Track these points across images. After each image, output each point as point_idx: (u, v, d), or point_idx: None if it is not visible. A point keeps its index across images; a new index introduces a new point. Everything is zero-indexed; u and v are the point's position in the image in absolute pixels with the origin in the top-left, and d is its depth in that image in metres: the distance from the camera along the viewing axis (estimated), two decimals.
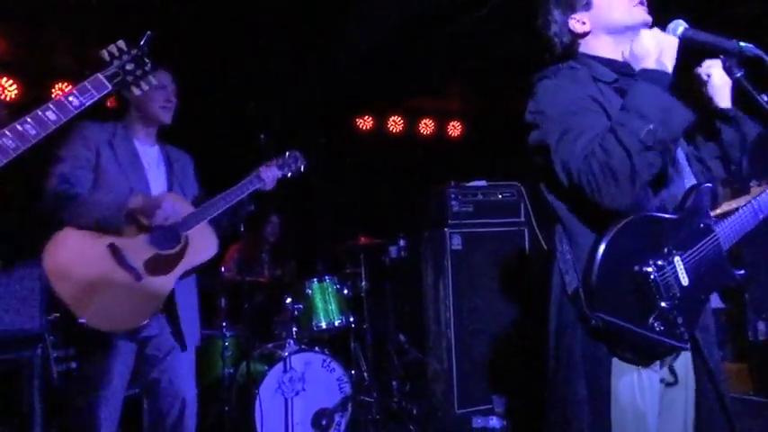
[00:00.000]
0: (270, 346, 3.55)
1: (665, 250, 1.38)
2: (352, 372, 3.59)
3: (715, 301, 5.29)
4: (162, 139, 2.44)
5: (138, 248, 2.15)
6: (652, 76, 1.34)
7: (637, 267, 1.34)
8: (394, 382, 4.00)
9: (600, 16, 1.51)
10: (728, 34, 1.39)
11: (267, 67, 4.33)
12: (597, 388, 1.37)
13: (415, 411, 3.85)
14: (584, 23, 1.53)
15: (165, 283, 2.18)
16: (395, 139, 5.71)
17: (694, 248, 1.42)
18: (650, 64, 1.35)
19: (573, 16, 1.53)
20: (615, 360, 1.37)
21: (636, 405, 1.37)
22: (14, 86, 4.08)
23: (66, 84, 4.18)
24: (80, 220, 2.09)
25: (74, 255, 2.06)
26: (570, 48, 1.56)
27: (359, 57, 4.36)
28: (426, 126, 5.90)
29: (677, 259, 1.39)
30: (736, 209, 1.53)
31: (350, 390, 3.40)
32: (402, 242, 4.37)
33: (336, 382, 3.38)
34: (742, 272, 1.51)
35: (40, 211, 2.12)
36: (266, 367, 3.26)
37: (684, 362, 1.45)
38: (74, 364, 3.52)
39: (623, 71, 1.48)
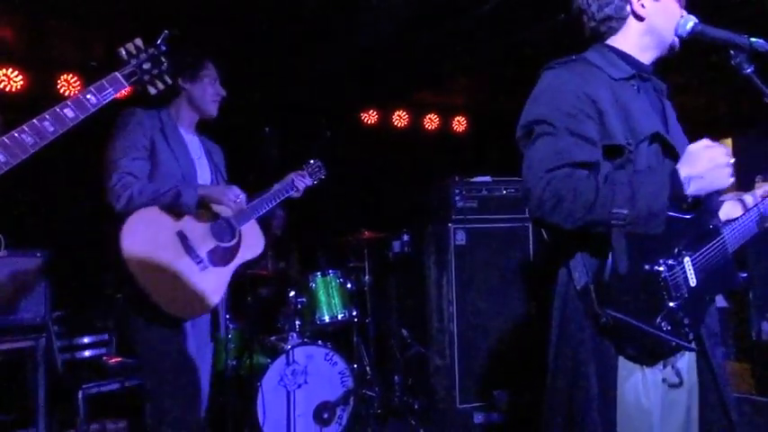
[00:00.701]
0: (273, 338, 3.57)
1: (676, 250, 1.37)
2: (355, 366, 3.61)
3: (719, 301, 5.27)
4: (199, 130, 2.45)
5: (203, 238, 2.21)
6: (677, 181, 1.31)
7: (648, 266, 1.33)
8: (396, 377, 4.01)
9: (655, 13, 1.46)
10: (741, 31, 1.37)
11: (272, 59, 4.33)
12: (605, 386, 1.36)
13: (416, 406, 3.86)
14: (643, 7, 1.46)
15: (224, 274, 2.26)
16: (400, 133, 5.70)
17: (703, 250, 1.41)
18: (691, 173, 1.31)
19: None
20: (621, 359, 1.36)
21: (641, 404, 1.36)
22: (20, 77, 4.08)
23: (71, 75, 4.19)
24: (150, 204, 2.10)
25: (147, 238, 2.08)
26: (599, 30, 1.50)
27: (364, 50, 4.35)
28: (431, 121, 5.88)
29: (687, 260, 1.38)
30: (741, 214, 1.52)
31: (352, 383, 3.41)
32: (405, 237, 4.37)
33: (339, 375, 3.39)
34: (744, 275, 1.52)
35: (114, 208, 2.10)
36: (269, 360, 3.27)
37: (688, 363, 1.45)
38: (83, 354, 3.56)
39: (640, 71, 1.47)
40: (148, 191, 2.10)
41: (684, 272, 1.37)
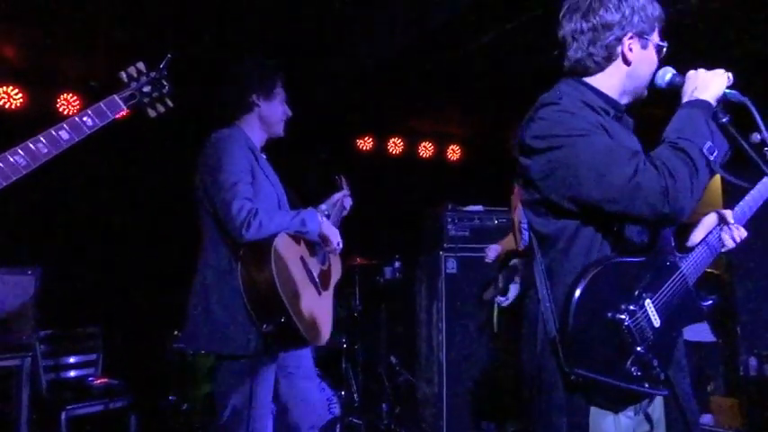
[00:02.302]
0: None
1: (636, 294, 1.37)
2: (342, 392, 3.58)
3: (707, 336, 5.29)
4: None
5: (313, 263, 2.26)
6: (701, 105, 1.34)
7: (610, 314, 1.33)
8: (384, 405, 3.98)
9: (641, 60, 1.45)
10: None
11: None
12: None
13: None
14: (631, 51, 1.43)
15: (330, 297, 2.30)
16: (394, 160, 5.75)
17: (663, 288, 1.41)
18: (705, 96, 1.35)
19: (633, 36, 1.42)
20: (592, 408, 1.37)
21: None
22: (20, 95, 4.11)
23: (71, 94, 4.22)
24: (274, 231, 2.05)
25: (288, 264, 2.06)
26: (584, 64, 1.46)
27: (362, 77, 4.42)
28: (426, 149, 5.94)
29: (648, 302, 1.38)
30: (697, 244, 1.54)
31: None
32: (397, 264, 4.39)
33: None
34: (709, 302, 1.52)
35: (238, 236, 1.99)
36: None
37: (658, 402, 1.46)
38: (68, 374, 3.52)
39: (615, 109, 1.48)
40: (277, 219, 2.04)
41: (647, 314, 1.37)
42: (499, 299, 3.45)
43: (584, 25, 1.42)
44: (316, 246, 2.28)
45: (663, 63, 1.48)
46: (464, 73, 4.35)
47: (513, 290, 3.45)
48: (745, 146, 1.31)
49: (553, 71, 1.57)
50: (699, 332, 5.32)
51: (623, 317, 1.33)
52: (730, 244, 1.57)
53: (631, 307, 1.35)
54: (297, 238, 2.15)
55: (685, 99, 1.39)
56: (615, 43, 1.41)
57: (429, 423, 3.72)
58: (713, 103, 1.36)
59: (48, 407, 3.14)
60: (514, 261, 3.48)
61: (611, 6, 1.40)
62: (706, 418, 4.87)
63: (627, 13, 1.40)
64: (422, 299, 3.93)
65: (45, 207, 3.88)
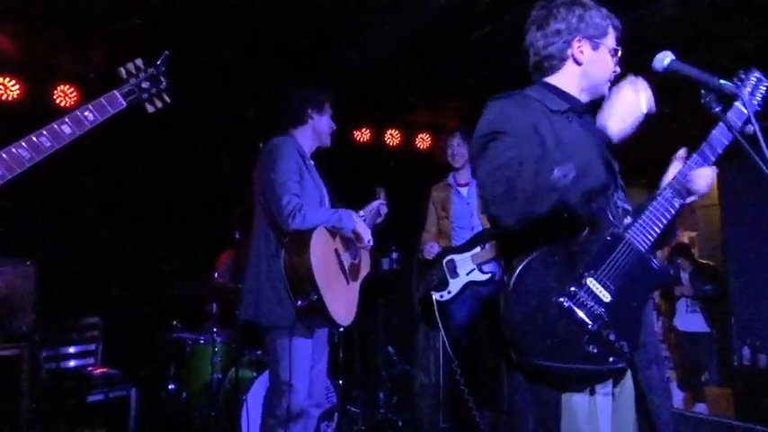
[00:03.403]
0: (259, 352, 3.57)
1: (577, 274, 1.41)
2: (340, 381, 3.62)
3: (701, 326, 5.34)
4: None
5: (345, 256, 2.64)
6: (599, 131, 1.39)
7: (553, 299, 1.38)
8: (381, 394, 4.03)
9: (592, 62, 1.60)
10: (720, 70, 1.44)
11: (267, 77, 4.39)
12: (546, 427, 1.41)
13: (400, 423, 3.87)
14: (582, 53, 1.60)
15: (356, 288, 2.70)
16: (392, 152, 5.76)
17: (607, 262, 1.43)
18: (610, 123, 1.38)
19: (582, 40, 1.59)
20: (564, 396, 1.41)
21: (588, 411, 1.42)
22: (17, 86, 4.10)
23: (68, 86, 4.21)
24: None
25: (324, 252, 2.45)
26: (542, 65, 1.63)
27: (359, 69, 4.42)
28: (423, 140, 5.95)
29: (590, 280, 1.41)
30: (646, 207, 1.52)
31: (336, 399, 3.42)
32: (395, 255, 4.41)
33: (324, 390, 3.39)
34: (672, 271, 1.54)
35: (284, 226, 2.39)
36: (254, 374, 3.28)
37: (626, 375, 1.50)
38: (68, 363, 3.55)
39: (574, 106, 1.58)
40: (318, 214, 2.46)
41: (591, 292, 1.40)
42: (436, 294, 3.50)
43: (539, 34, 1.63)
44: (349, 242, 2.65)
45: (622, 65, 1.58)
46: (462, 64, 4.36)
47: (455, 284, 3.50)
48: (737, 136, 1.33)
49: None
50: (693, 322, 5.38)
51: (562, 300, 1.38)
52: (698, 183, 1.53)
53: (572, 288, 1.39)
54: (333, 232, 2.54)
55: (603, 119, 1.40)
56: (564, 46, 1.60)
57: (426, 412, 3.76)
58: (616, 138, 1.38)
59: (48, 396, 3.17)
60: (450, 256, 3.54)
61: (559, 17, 1.60)
62: (699, 407, 4.93)
63: (573, 21, 1.59)
64: (419, 289, 3.96)
65: (44, 198, 3.89)
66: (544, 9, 1.64)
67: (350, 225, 2.51)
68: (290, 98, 2.68)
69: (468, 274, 3.49)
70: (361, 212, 2.80)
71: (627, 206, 1.59)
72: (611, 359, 1.38)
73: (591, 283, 1.40)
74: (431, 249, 3.65)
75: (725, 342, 4.93)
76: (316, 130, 2.66)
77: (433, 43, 3.99)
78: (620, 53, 1.63)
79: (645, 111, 1.38)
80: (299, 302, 2.37)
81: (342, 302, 2.49)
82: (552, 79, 1.64)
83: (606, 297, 1.40)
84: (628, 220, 1.53)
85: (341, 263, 2.58)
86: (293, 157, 2.49)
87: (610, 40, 1.62)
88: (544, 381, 1.41)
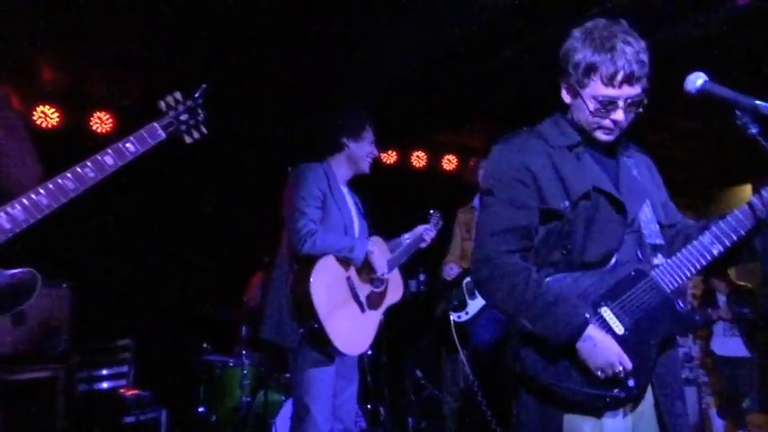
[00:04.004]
0: (287, 376, 3.57)
1: (592, 301, 1.41)
2: (368, 406, 3.58)
3: (740, 350, 5.14)
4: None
5: (362, 284, 2.60)
6: (575, 337, 1.38)
7: None
8: (410, 419, 3.97)
9: (574, 105, 1.58)
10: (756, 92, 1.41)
11: (293, 97, 4.45)
12: None
13: None
14: (566, 98, 1.59)
15: (376, 317, 2.65)
16: (418, 173, 5.77)
17: (626, 296, 1.43)
18: (583, 355, 1.39)
19: (566, 83, 1.57)
20: (566, 416, 1.40)
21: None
22: (56, 114, 4.26)
23: (104, 113, 4.35)
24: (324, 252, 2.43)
25: (328, 282, 2.43)
26: (564, 98, 1.63)
27: (385, 91, 4.46)
28: (449, 162, 5.96)
29: (605, 309, 1.41)
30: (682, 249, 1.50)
31: (365, 424, 3.39)
32: (422, 276, 4.38)
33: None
34: (698, 317, 1.51)
35: (297, 249, 2.40)
36: (283, 397, 3.28)
37: (644, 405, 1.47)
38: (101, 385, 3.59)
39: (586, 139, 1.57)
40: (328, 240, 2.43)
41: (604, 321, 1.40)
42: (454, 315, 3.45)
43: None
44: (372, 270, 2.60)
45: (607, 108, 1.52)
46: (487, 86, 4.37)
47: (474, 305, 3.44)
48: None
49: None
50: (733, 347, 5.19)
51: None
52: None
53: (586, 314, 1.39)
54: (346, 263, 2.52)
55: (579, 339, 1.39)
56: (563, 87, 1.61)
57: None
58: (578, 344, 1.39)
59: (83, 418, 3.21)
60: (470, 278, 3.49)
61: (561, 59, 1.61)
62: None
63: (563, 66, 1.58)
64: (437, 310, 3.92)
65: (78, 224, 3.99)
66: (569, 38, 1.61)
67: (359, 256, 2.48)
68: (326, 126, 2.69)
69: None
70: (406, 234, 2.80)
71: (658, 241, 1.56)
72: (615, 390, 1.38)
73: (605, 312, 1.41)
74: (450, 271, 3.62)
75: (766, 367, 4.74)
76: (352, 158, 2.65)
77: (459, 64, 4.01)
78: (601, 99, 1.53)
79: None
80: (302, 329, 2.38)
81: (350, 331, 2.45)
82: (570, 111, 1.62)
83: (619, 329, 1.41)
84: (659, 258, 1.52)
85: (354, 291, 2.54)
86: (316, 183, 2.51)
87: (594, 87, 1.51)
88: (550, 400, 1.41)
